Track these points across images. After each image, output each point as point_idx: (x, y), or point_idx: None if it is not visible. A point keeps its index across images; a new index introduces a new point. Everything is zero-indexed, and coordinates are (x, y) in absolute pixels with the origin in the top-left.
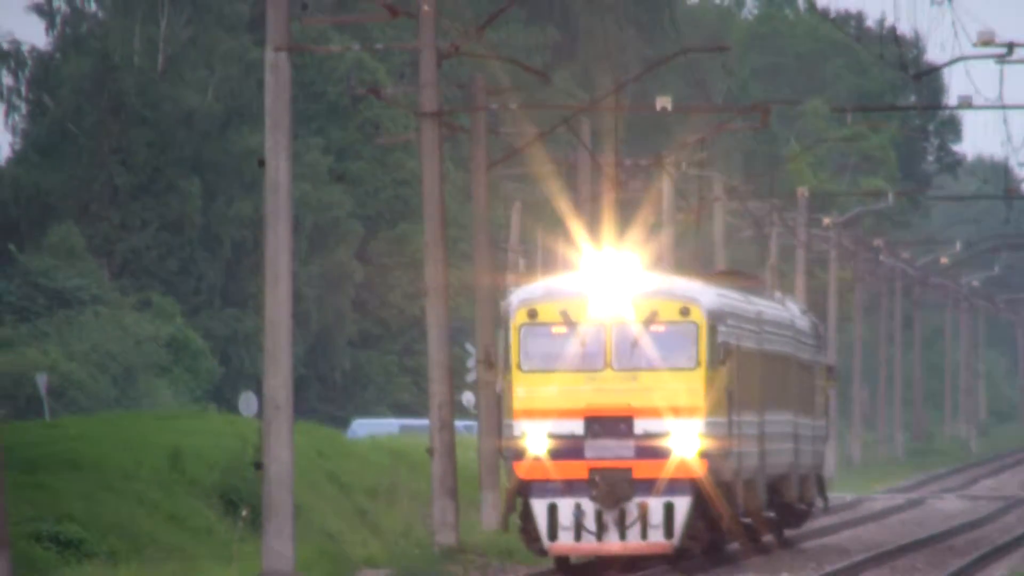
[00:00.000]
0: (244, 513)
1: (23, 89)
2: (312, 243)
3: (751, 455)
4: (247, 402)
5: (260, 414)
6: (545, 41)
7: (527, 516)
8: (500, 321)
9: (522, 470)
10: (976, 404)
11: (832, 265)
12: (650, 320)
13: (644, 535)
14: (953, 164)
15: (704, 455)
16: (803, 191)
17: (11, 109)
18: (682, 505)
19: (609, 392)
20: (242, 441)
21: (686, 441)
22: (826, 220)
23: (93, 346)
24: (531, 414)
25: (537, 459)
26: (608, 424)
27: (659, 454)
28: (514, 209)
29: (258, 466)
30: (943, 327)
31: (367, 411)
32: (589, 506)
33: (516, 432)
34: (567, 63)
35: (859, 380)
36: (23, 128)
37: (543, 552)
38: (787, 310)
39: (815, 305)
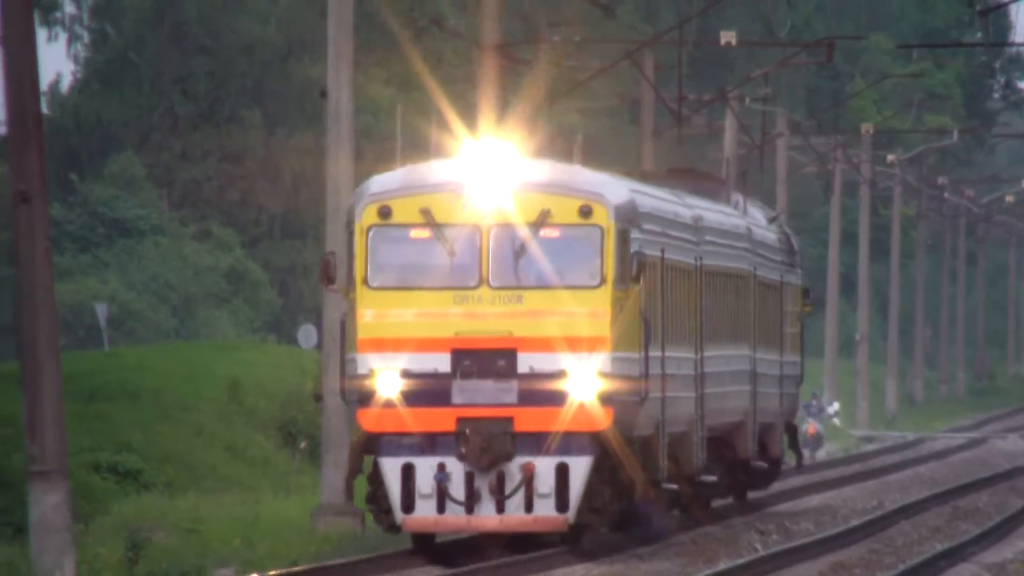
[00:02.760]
0: (302, 445)
1: (85, 18)
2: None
3: (682, 401)
4: (306, 334)
5: (319, 346)
6: None
7: (376, 481)
8: (345, 222)
9: (368, 420)
10: None
11: (896, 202)
12: (540, 222)
13: (529, 507)
14: (1019, 102)
15: (608, 400)
16: (867, 128)
17: (73, 38)
18: (579, 467)
19: (485, 317)
20: (301, 373)
21: (585, 382)
22: (890, 157)
23: (152, 276)
24: (381, 345)
25: (388, 405)
26: (483, 359)
27: (550, 400)
28: (576, 143)
29: (317, 398)
30: (1007, 265)
31: None
32: (457, 468)
33: (361, 369)
34: None
35: (921, 319)
36: (85, 57)
37: (395, 528)
38: (745, 217)
39: (878, 242)
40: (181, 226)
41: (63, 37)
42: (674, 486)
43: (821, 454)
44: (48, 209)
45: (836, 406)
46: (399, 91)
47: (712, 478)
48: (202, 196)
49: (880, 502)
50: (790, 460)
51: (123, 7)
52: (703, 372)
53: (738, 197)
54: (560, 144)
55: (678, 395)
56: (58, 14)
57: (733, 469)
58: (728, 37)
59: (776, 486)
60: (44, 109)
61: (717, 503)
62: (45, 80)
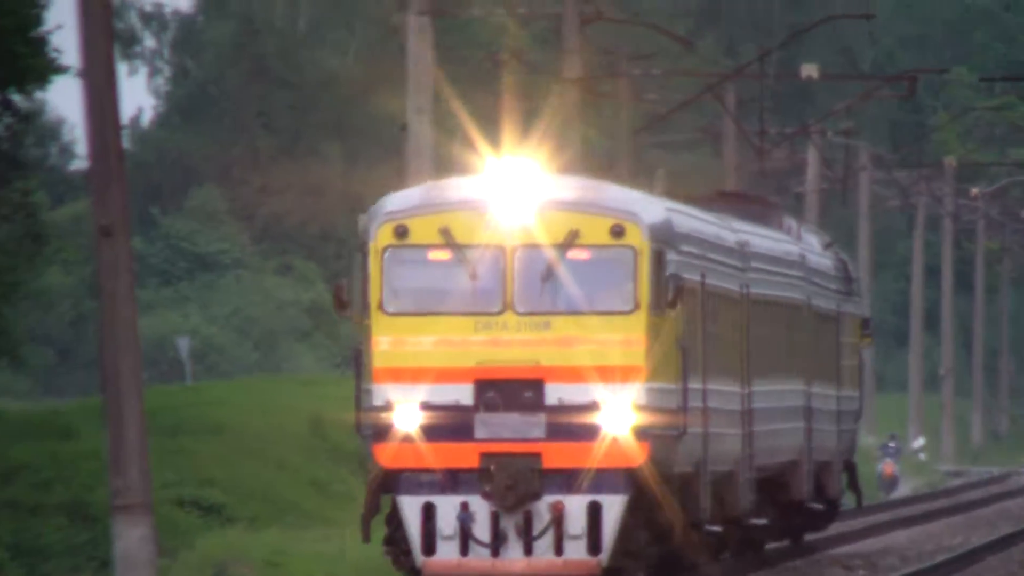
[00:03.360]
0: None
1: (166, 52)
2: None
3: (726, 438)
4: None
5: None
6: (688, 7)
7: (395, 521)
8: (358, 243)
9: (386, 456)
10: None
11: (980, 236)
12: (568, 243)
13: (559, 549)
14: None
15: (644, 434)
16: (951, 161)
17: (154, 72)
18: (613, 506)
19: (510, 345)
20: None
21: (619, 415)
22: (973, 191)
23: (234, 310)
24: (398, 375)
25: (407, 440)
26: (508, 390)
27: (581, 434)
28: (657, 176)
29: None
30: None
31: None
32: (481, 507)
33: (377, 401)
34: (711, 30)
35: (1007, 352)
36: (166, 91)
37: (416, 572)
38: (798, 243)
39: (962, 276)
40: (262, 260)
41: (144, 71)
42: (718, 528)
43: (899, 494)
44: (130, 243)
45: (922, 441)
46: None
47: (762, 521)
48: (283, 230)
49: (966, 538)
50: (849, 500)
51: (203, 41)
52: (751, 408)
53: (791, 222)
54: (642, 179)
55: (722, 431)
56: (138, 48)
57: (787, 511)
58: (810, 70)
59: (858, 522)
60: (125, 144)
61: (771, 546)
62: (126, 114)
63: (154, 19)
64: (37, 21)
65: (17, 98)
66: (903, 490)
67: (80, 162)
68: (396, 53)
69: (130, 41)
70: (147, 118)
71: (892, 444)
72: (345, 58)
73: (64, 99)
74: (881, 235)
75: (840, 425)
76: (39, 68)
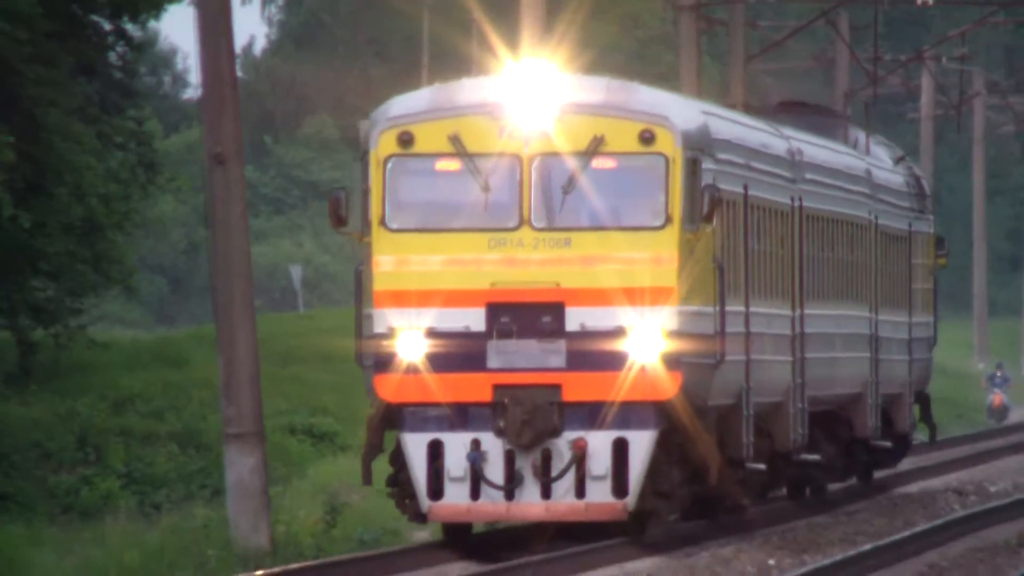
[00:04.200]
0: None
1: None
2: None
3: (774, 366)
4: None
5: None
6: None
7: (399, 461)
8: (360, 153)
9: (388, 388)
10: None
11: None
12: (592, 151)
13: (581, 491)
14: None
15: (675, 363)
16: None
17: (266, 1)
18: (641, 443)
19: (526, 264)
20: None
21: (647, 342)
22: None
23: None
24: (402, 299)
25: (411, 370)
26: (524, 315)
27: (605, 363)
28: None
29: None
30: None
31: None
32: (494, 445)
33: (379, 327)
34: None
35: None
36: (279, 19)
37: (421, 517)
38: (865, 157)
39: None
40: None
41: (257, 0)
42: (761, 466)
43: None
44: (243, 171)
45: None
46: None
47: (815, 457)
48: None
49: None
50: (922, 435)
51: None
52: (803, 332)
53: (858, 134)
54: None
55: (768, 358)
56: None
57: (850, 448)
58: None
59: (960, 450)
60: (238, 72)
61: (836, 486)
62: (239, 43)
63: None
64: None
65: (131, 27)
66: (1013, 418)
67: (193, 91)
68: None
69: None
70: (260, 46)
71: (999, 374)
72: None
73: (177, 28)
74: (996, 162)
75: (912, 354)
76: None
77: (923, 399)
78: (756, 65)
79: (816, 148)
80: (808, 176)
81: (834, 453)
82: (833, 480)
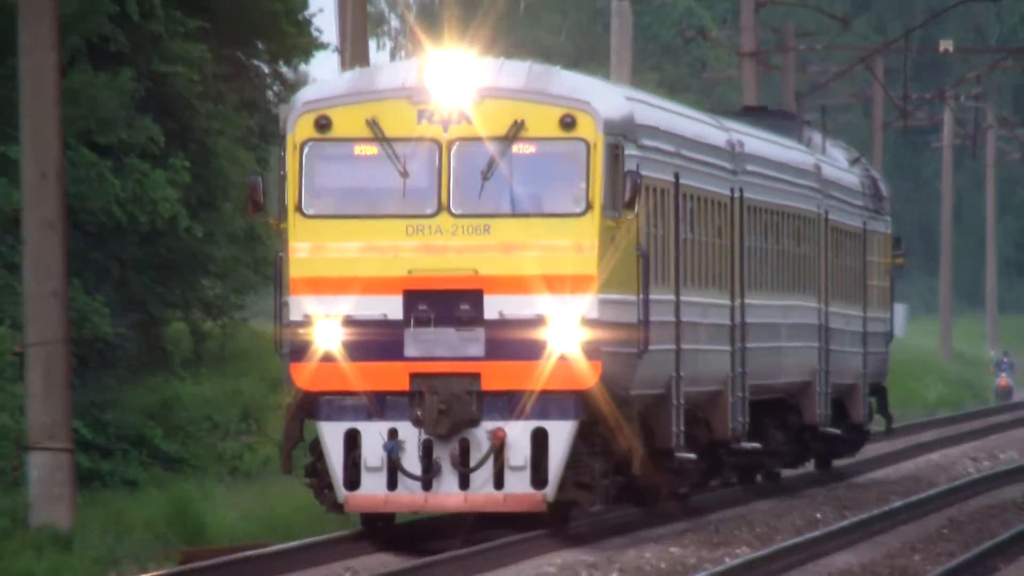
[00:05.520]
0: None
1: (408, 31)
2: None
3: (709, 355)
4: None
5: None
6: None
7: (317, 450)
8: (280, 138)
9: (304, 376)
10: None
11: None
12: (512, 136)
13: (500, 482)
14: None
15: (596, 353)
16: None
17: (398, 48)
18: (560, 433)
19: (445, 251)
20: None
21: (567, 331)
22: None
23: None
24: (318, 286)
25: (328, 359)
26: (442, 303)
27: (524, 352)
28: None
29: None
30: None
31: None
32: (411, 435)
33: (295, 315)
34: (864, 12)
35: None
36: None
37: (338, 507)
38: (815, 155)
39: None
40: None
41: (389, 47)
42: (691, 455)
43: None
44: None
45: None
46: (670, 92)
47: (754, 445)
48: None
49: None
50: (879, 426)
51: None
52: (744, 322)
53: (814, 135)
54: None
55: (702, 347)
56: (385, 27)
57: (801, 435)
58: (946, 45)
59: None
60: None
61: (789, 473)
62: None
63: (398, 3)
64: (302, 5)
65: (285, 70)
66: (1017, 398)
67: None
68: (600, 32)
69: (378, 21)
70: None
71: (1005, 360)
72: (558, 36)
73: (324, 71)
74: (1005, 183)
75: (867, 347)
76: (303, 45)
77: (879, 391)
78: (805, 102)
79: (759, 142)
80: (749, 168)
81: (783, 440)
82: (783, 466)
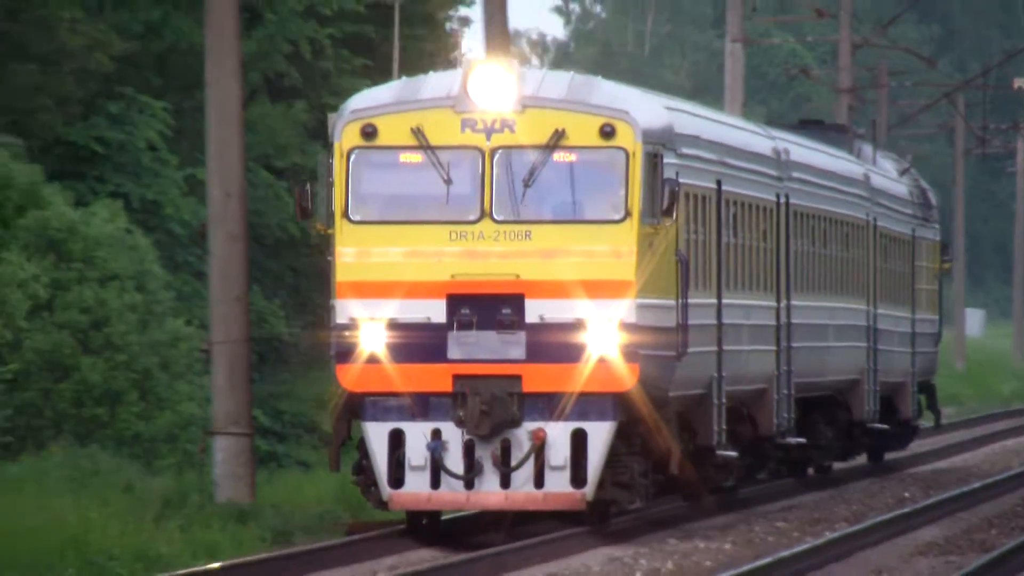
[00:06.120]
0: None
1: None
2: None
3: (753, 356)
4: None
5: None
6: (931, 35)
7: (363, 449)
8: (327, 145)
9: (349, 378)
10: None
11: None
12: (553, 144)
13: (540, 481)
14: None
15: (634, 355)
16: None
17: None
18: (599, 434)
19: (487, 257)
20: None
21: (606, 334)
22: None
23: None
24: (363, 290)
25: (372, 360)
26: (484, 307)
27: (564, 355)
28: (906, 160)
29: None
30: None
31: None
32: (454, 435)
33: (341, 318)
34: (947, 52)
35: None
36: None
37: (383, 505)
38: (865, 164)
39: None
40: None
41: None
42: (732, 453)
43: None
44: None
45: None
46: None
47: (799, 440)
48: None
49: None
50: (926, 421)
51: (573, 62)
52: (790, 323)
53: (864, 147)
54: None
55: (745, 348)
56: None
57: (850, 431)
58: (1020, 82)
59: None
60: None
61: (840, 466)
62: None
63: (538, 45)
64: (452, 47)
65: None
66: None
67: None
68: (716, 72)
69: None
70: None
71: None
72: (679, 75)
73: None
74: None
75: (915, 347)
76: None
77: (928, 388)
78: (895, 132)
79: (806, 150)
80: (796, 175)
81: (832, 435)
82: (832, 460)
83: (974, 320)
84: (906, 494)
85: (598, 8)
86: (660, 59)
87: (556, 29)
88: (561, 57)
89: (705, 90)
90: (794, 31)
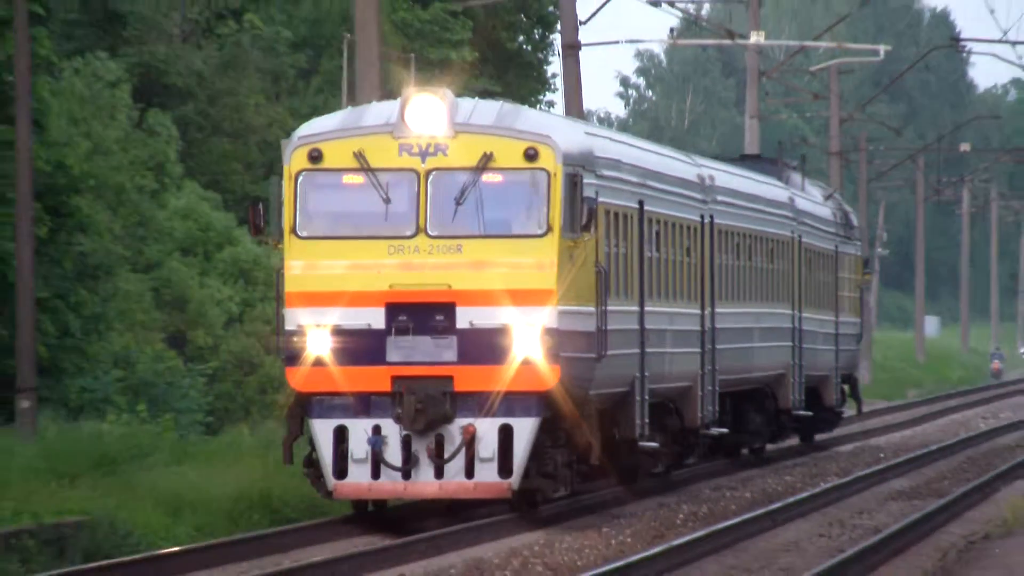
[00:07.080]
0: None
1: None
2: None
3: (676, 357)
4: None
5: None
6: (899, 112)
7: (312, 444)
8: (279, 168)
9: (298, 379)
10: None
11: None
12: (482, 166)
13: (470, 472)
14: None
15: (556, 357)
16: None
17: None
18: (524, 429)
19: (422, 268)
20: None
21: (530, 338)
22: None
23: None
24: (310, 299)
25: (319, 364)
26: (420, 313)
27: (492, 357)
28: (881, 207)
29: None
30: None
31: None
32: (393, 430)
33: (290, 325)
34: (911, 122)
35: None
36: None
37: (329, 494)
38: (790, 189)
39: None
40: None
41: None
42: (654, 444)
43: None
44: None
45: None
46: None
47: (722, 430)
48: None
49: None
50: (849, 408)
51: (632, 135)
52: (714, 327)
53: (793, 175)
54: (873, 216)
55: (668, 351)
56: None
57: (778, 418)
58: (965, 146)
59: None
60: None
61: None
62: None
63: (604, 122)
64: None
65: None
66: (1006, 379)
67: None
68: (738, 140)
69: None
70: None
71: (997, 351)
72: (710, 143)
73: None
74: (1003, 237)
75: (839, 345)
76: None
77: (851, 380)
78: (871, 186)
79: (730, 176)
80: (720, 198)
81: (761, 422)
82: (761, 443)
83: (931, 324)
84: (881, 454)
85: (650, 93)
86: (697, 131)
87: (618, 108)
88: (620, 130)
89: (731, 154)
90: (796, 109)
